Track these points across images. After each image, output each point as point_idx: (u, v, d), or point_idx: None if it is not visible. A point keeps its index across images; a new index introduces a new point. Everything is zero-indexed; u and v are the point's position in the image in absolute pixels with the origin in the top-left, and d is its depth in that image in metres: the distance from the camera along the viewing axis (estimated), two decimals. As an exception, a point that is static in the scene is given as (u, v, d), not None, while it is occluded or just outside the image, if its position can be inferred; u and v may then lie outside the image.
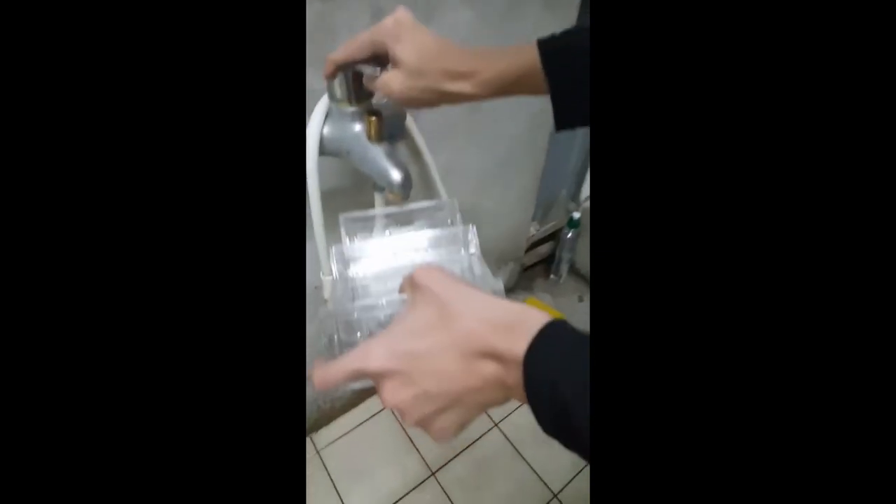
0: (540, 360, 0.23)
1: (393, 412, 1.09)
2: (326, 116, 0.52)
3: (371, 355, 0.27)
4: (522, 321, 0.25)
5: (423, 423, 0.27)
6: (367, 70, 0.44)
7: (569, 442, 0.23)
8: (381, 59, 0.43)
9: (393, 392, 0.27)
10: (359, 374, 0.27)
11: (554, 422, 0.23)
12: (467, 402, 0.26)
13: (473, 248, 0.46)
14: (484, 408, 0.27)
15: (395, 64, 0.41)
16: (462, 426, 0.28)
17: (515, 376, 0.24)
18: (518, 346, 0.24)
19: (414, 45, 0.40)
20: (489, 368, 0.25)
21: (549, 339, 0.24)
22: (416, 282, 0.28)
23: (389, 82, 0.41)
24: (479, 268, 0.44)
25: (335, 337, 0.36)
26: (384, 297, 0.40)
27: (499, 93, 0.41)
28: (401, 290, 0.32)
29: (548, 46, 0.38)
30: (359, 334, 0.39)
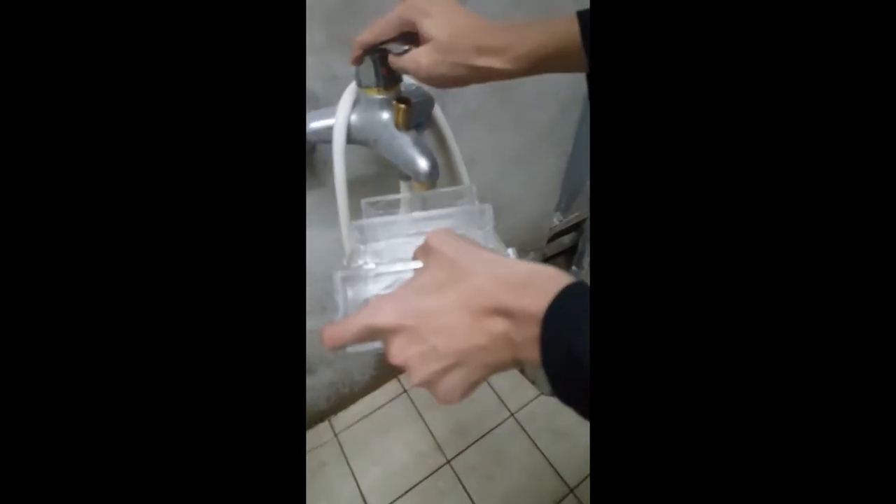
0: (560, 317, 0.23)
1: (403, 388, 1.10)
2: (354, 104, 0.51)
3: (380, 311, 0.27)
4: (537, 279, 0.24)
5: (429, 383, 0.27)
6: (395, 49, 0.42)
7: (584, 409, 0.22)
8: (410, 39, 0.42)
9: (400, 348, 0.26)
10: (367, 331, 0.27)
11: (570, 383, 0.23)
12: (474, 361, 0.26)
13: (488, 225, 0.45)
14: (491, 369, 0.27)
15: (425, 40, 0.39)
16: (468, 388, 0.27)
17: (525, 333, 0.24)
18: (532, 303, 0.23)
19: (444, 19, 0.38)
20: (498, 325, 0.25)
21: (571, 298, 0.23)
22: (428, 245, 0.29)
23: (418, 58, 0.40)
24: (494, 243, 0.43)
25: (342, 302, 0.36)
26: (398, 265, 0.40)
27: (533, 69, 0.39)
28: (415, 257, 0.31)
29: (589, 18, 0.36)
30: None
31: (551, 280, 0.24)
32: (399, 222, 0.46)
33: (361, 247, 0.45)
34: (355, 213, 0.59)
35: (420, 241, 0.33)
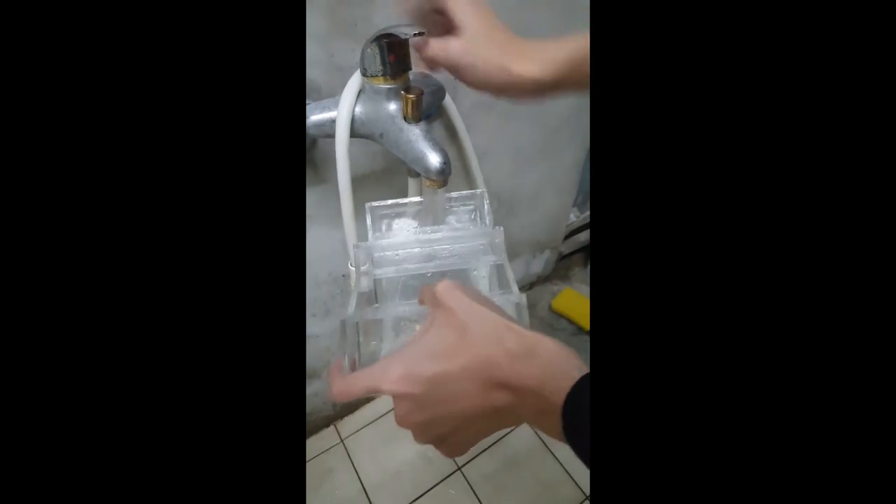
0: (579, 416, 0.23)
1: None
2: (358, 95, 0.47)
3: (387, 376, 0.27)
4: (534, 351, 0.25)
5: (433, 443, 0.28)
6: (405, 31, 0.38)
7: None
8: (436, 24, 0.38)
9: (407, 414, 0.27)
10: (375, 392, 0.28)
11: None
12: (478, 427, 0.27)
13: (501, 252, 0.42)
14: (496, 430, 0.27)
15: (455, 28, 0.35)
16: (472, 445, 0.28)
17: (530, 407, 0.25)
18: (531, 378, 0.24)
19: (478, 7, 0.35)
20: (503, 398, 0.25)
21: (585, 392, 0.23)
22: (437, 299, 0.28)
23: (448, 47, 0.36)
24: (507, 276, 0.41)
25: (349, 340, 0.35)
26: (403, 304, 0.40)
27: (568, 79, 0.35)
28: (420, 301, 0.31)
29: None
30: (374, 342, 0.39)
31: (546, 351, 0.25)
32: (405, 242, 0.43)
33: (364, 272, 0.43)
34: (360, 211, 0.55)
35: (426, 260, 0.35)
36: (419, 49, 0.38)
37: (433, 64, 0.38)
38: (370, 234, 0.45)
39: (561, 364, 0.24)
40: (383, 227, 0.47)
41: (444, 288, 0.28)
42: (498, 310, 0.28)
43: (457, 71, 0.37)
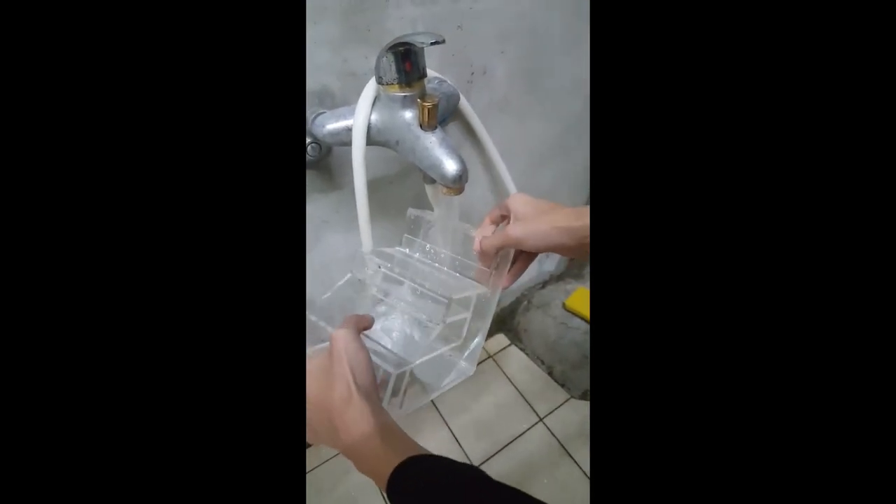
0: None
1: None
2: (374, 102, 0.46)
3: None
4: (345, 413, 0.35)
5: None
6: (422, 40, 0.39)
7: None
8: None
9: None
10: None
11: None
12: (318, 435, 0.37)
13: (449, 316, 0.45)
14: (329, 445, 0.37)
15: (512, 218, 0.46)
16: (314, 443, 0.39)
17: (343, 448, 0.35)
18: (344, 432, 0.34)
19: (528, 200, 0.46)
20: (322, 428, 0.36)
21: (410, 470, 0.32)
22: (332, 338, 0.38)
23: (507, 230, 0.43)
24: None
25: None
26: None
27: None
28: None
29: None
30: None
31: (360, 417, 0.34)
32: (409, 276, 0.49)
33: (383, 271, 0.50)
34: (375, 217, 0.55)
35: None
36: (482, 242, 0.47)
37: (497, 249, 0.46)
38: (405, 235, 0.54)
39: (368, 431, 0.33)
40: (420, 234, 0.53)
41: (336, 335, 0.37)
42: (362, 364, 0.37)
43: (515, 244, 0.43)
